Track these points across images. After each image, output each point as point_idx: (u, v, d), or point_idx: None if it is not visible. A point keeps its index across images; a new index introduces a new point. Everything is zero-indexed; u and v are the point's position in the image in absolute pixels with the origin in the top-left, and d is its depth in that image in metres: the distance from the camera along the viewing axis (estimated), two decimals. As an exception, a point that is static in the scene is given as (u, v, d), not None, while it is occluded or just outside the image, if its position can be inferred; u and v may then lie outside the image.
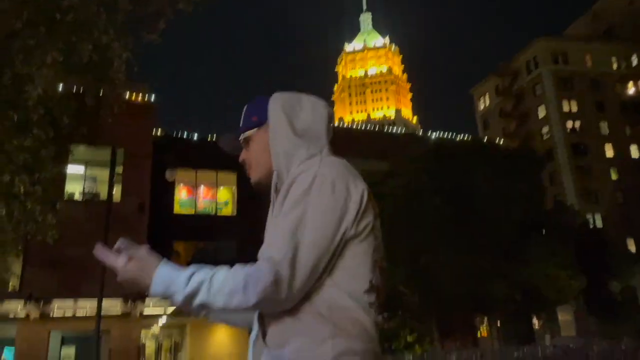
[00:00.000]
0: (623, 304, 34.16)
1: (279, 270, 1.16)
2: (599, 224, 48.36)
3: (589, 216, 44.75)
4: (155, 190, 25.70)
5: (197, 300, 1.18)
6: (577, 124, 59.26)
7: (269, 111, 1.41)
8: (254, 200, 29.44)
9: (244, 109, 1.48)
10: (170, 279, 1.20)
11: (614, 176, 58.12)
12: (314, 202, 1.22)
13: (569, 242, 23.48)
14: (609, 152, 59.10)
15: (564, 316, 16.86)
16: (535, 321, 26.44)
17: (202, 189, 29.73)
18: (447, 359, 12.65)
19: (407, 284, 19.69)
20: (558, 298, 22.37)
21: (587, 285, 23.70)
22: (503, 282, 21.05)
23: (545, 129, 59.82)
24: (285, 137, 1.38)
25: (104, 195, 24.16)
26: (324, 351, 1.12)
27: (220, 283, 1.19)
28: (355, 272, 1.22)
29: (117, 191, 24.76)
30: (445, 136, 30.60)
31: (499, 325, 25.58)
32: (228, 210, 29.66)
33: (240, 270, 1.23)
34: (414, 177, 19.41)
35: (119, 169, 24.96)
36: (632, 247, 52.55)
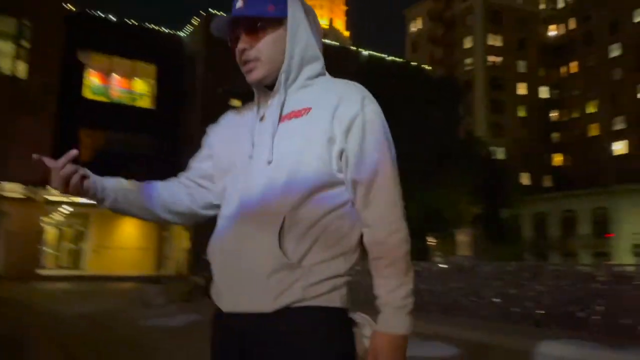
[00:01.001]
0: (510, 230, 37.87)
1: (405, 231, 1.25)
2: (501, 156, 51.79)
3: (494, 148, 47.73)
4: (66, 72, 23.78)
5: (411, 300, 1.26)
6: (499, 59, 61.45)
7: (289, 6, 1.30)
8: (174, 96, 28.35)
9: None
10: (402, 323, 1.21)
11: (521, 113, 61.90)
12: (389, 149, 1.27)
13: (474, 172, 25.16)
14: (522, 90, 62.41)
15: (462, 237, 18.45)
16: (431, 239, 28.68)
17: (116, 77, 27.92)
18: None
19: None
20: (456, 221, 24.30)
21: (483, 211, 25.87)
22: (411, 203, 22.33)
23: (468, 60, 61.53)
24: (306, 42, 1.31)
25: (6, 69, 22.04)
26: (339, 263, 1.21)
27: (408, 282, 1.24)
28: None
29: (22, 67, 22.68)
30: (377, 55, 30.55)
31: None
32: (145, 103, 28.28)
33: (394, 258, 1.23)
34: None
35: (25, 43, 22.74)
36: (525, 181, 57.41)
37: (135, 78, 28.24)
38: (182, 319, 9.16)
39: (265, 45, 1.28)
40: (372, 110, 1.25)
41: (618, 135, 55.74)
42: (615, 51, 56.80)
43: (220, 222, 1.34)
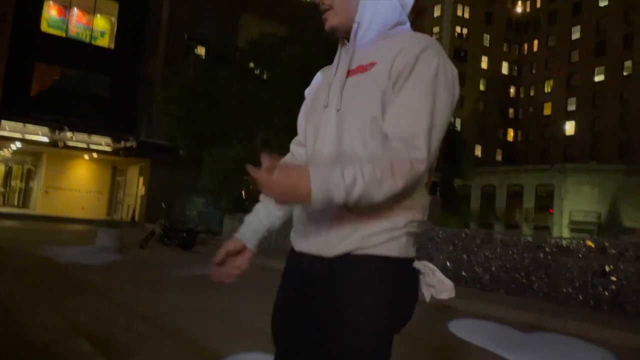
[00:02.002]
0: (461, 199, 39.24)
1: (419, 153, 1.15)
2: (459, 127, 52.94)
3: (452, 119, 48.56)
4: (23, 2, 22.38)
5: (355, 193, 1.09)
6: (465, 30, 61.90)
7: None
8: (135, 36, 27.22)
9: None
10: (325, 176, 1.08)
11: (481, 87, 63.07)
12: (442, 83, 1.23)
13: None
14: (484, 64, 63.35)
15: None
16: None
17: (76, 12, 26.51)
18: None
19: (283, 153, 20.30)
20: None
21: (438, 179, 26.64)
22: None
23: (436, 29, 61.64)
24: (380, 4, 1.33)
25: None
26: (400, 217, 1.24)
27: (370, 171, 1.10)
28: None
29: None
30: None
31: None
32: (104, 41, 27.06)
33: (381, 156, 1.16)
34: (312, 49, 19.22)
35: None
36: (479, 152, 59.13)
37: (97, 14, 26.91)
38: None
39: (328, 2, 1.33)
40: (427, 62, 1.22)
41: (569, 116, 57.85)
42: (576, 33, 58.21)
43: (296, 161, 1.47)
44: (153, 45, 26.79)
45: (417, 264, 1.30)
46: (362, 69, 1.29)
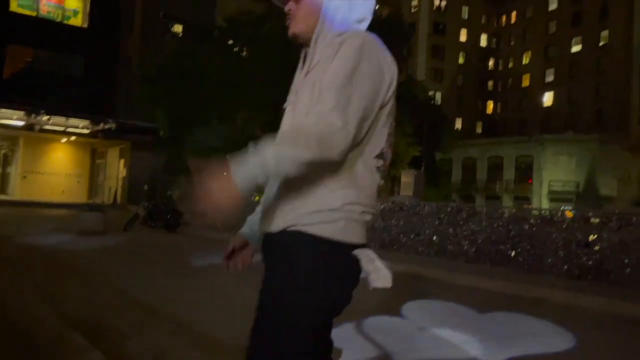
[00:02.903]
0: (442, 172, 39.60)
1: (332, 121, 1.19)
2: (439, 101, 53.06)
3: (432, 93, 48.75)
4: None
5: (271, 170, 1.19)
6: (443, 3, 61.57)
7: None
8: (110, 14, 26.49)
9: None
10: (243, 165, 1.18)
11: (460, 60, 63.11)
12: (363, 64, 1.28)
13: (415, 115, 25.74)
14: (463, 37, 63.28)
15: (405, 179, 19.14)
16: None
17: (47, -10, 25.67)
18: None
19: (266, 130, 20.15)
20: (395, 161, 25.05)
21: (421, 153, 26.80)
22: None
23: (414, 2, 61.19)
24: (340, 7, 1.42)
25: None
26: (334, 198, 1.30)
27: (279, 147, 1.20)
28: (373, 139, 1.36)
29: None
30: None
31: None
32: (77, 20, 26.28)
33: (294, 129, 1.28)
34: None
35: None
36: (458, 125, 59.49)
37: (69, -7, 26.11)
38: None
39: (303, 6, 1.43)
40: (348, 45, 1.30)
41: (547, 87, 58.36)
42: (553, 4, 58.34)
43: None
44: (128, 24, 26.15)
45: (356, 251, 1.32)
46: (307, 74, 1.40)
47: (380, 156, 1.38)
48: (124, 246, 10.34)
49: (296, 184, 1.30)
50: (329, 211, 1.29)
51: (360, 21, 1.45)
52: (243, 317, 4.61)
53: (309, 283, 1.28)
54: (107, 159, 27.76)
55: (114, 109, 25.52)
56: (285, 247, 1.31)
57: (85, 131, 24.77)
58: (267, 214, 1.40)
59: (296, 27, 1.44)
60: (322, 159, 1.20)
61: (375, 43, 1.35)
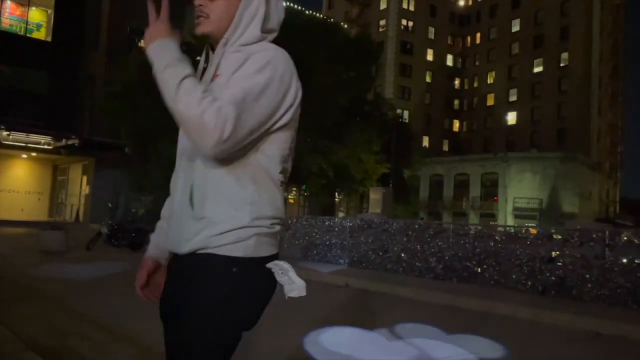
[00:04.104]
0: (410, 190, 40.02)
1: (227, 108, 1.20)
2: (406, 118, 53.88)
3: (400, 111, 49.48)
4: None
5: (161, 75, 1.25)
6: (410, 23, 62.91)
7: None
8: (74, 28, 26.05)
9: None
10: (163, 46, 1.31)
11: (428, 79, 64.40)
12: (265, 80, 1.29)
13: (383, 132, 26.06)
14: (430, 56, 64.67)
15: (374, 195, 19.22)
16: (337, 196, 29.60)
17: (8, 3, 25.08)
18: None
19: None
20: (363, 178, 25.26)
21: (389, 170, 27.08)
22: (320, 159, 22.80)
23: (382, 22, 62.35)
24: (255, 15, 1.43)
25: None
26: (243, 215, 1.30)
27: (187, 86, 1.22)
28: (276, 155, 1.39)
29: None
30: (295, 8, 30.03)
31: (307, 194, 28.05)
32: (41, 34, 25.74)
33: (200, 88, 1.24)
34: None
35: None
36: (426, 143, 60.45)
37: (32, 7, 25.54)
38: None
39: (218, 7, 1.42)
40: (256, 58, 1.32)
41: (510, 107, 60.00)
42: (516, 26, 60.31)
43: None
44: (93, 39, 25.75)
45: (269, 264, 1.34)
46: (216, 77, 1.38)
47: (284, 172, 1.41)
48: (85, 266, 10.04)
49: (202, 202, 1.31)
50: (239, 229, 1.29)
51: (269, 32, 1.46)
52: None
53: (222, 304, 1.28)
54: (70, 176, 27.04)
55: (78, 124, 24.95)
56: (196, 269, 1.30)
57: (47, 147, 24.12)
58: (174, 231, 1.38)
59: (207, 26, 1.43)
60: (191, 130, 1.23)
61: (287, 58, 1.37)
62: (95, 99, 23.13)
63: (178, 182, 1.43)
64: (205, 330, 1.27)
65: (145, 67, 20.88)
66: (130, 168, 21.60)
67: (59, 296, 6.45)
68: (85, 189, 25.04)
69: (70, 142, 23.23)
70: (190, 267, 1.32)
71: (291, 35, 20.07)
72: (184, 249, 1.32)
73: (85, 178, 25.29)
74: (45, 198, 27.16)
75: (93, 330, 4.68)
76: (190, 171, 1.37)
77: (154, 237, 1.57)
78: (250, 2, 1.42)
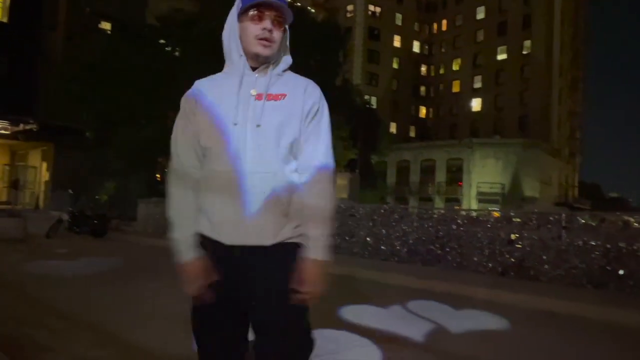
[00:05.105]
0: (377, 175, 40.38)
1: (328, 171, 1.70)
2: (374, 105, 54.10)
3: (368, 97, 49.65)
4: None
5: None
6: (378, 9, 62.92)
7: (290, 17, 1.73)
8: (32, 8, 25.03)
9: None
10: None
11: (395, 65, 64.71)
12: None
13: (351, 118, 26.11)
14: (397, 42, 64.94)
15: (341, 181, 19.29)
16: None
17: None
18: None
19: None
20: (331, 164, 25.16)
21: (357, 156, 27.20)
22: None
23: (350, 7, 62.16)
24: (287, 47, 1.78)
25: None
26: (296, 214, 1.68)
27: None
28: None
29: None
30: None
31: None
32: (-4, 14, 24.66)
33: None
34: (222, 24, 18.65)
35: None
36: (393, 129, 60.93)
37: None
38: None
39: (279, 36, 1.70)
40: (325, 104, 1.74)
41: (475, 93, 60.97)
42: (480, 13, 61.05)
43: (217, 175, 1.64)
44: (52, 20, 24.81)
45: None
46: (275, 97, 1.66)
47: None
48: (44, 253, 9.79)
49: (286, 201, 1.62)
50: (300, 226, 1.66)
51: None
52: (171, 326, 4.49)
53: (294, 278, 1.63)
54: (29, 162, 26.19)
55: (36, 109, 24.10)
56: (285, 254, 1.63)
57: (4, 132, 23.26)
58: (250, 226, 1.59)
59: (271, 51, 1.68)
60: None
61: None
62: (54, 81, 22.35)
63: (246, 184, 1.60)
64: (294, 299, 1.61)
65: (106, 50, 20.36)
66: (92, 154, 21.05)
67: (14, 284, 6.28)
68: (45, 175, 24.31)
69: (28, 127, 22.45)
70: (276, 254, 1.62)
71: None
72: (272, 240, 1.61)
73: (44, 164, 24.54)
74: (2, 184, 26.26)
75: (51, 318, 4.58)
76: (270, 178, 1.61)
77: (185, 240, 1.67)
78: (287, 34, 1.76)
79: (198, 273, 1.63)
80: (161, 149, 19.91)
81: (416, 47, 67.23)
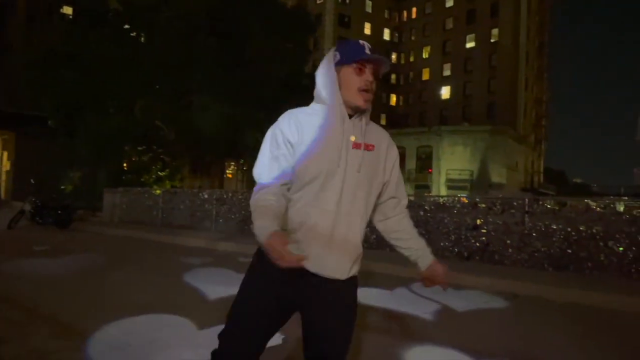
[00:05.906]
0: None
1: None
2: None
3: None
4: None
5: None
6: (348, -4, 62.69)
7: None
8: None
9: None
10: None
11: (365, 53, 64.60)
12: None
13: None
14: (367, 30, 64.89)
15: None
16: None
17: None
18: (196, 195, 13.37)
19: (165, 121, 19.40)
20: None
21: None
22: (257, 132, 22.51)
23: (320, -7, 61.75)
24: None
25: None
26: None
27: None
28: None
29: None
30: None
31: (244, 169, 27.76)
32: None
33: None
34: (193, 13, 18.30)
35: None
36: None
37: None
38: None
39: (375, 87, 1.86)
40: (398, 154, 1.97)
41: (444, 81, 61.58)
42: (449, 1, 61.47)
43: (316, 209, 1.74)
44: (11, 4, 23.92)
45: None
46: (367, 147, 1.81)
47: None
48: (4, 244, 9.52)
49: (360, 239, 1.84)
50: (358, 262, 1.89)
51: None
52: (131, 318, 4.40)
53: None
54: (-11, 151, 25.36)
55: (-4, 96, 23.31)
56: (353, 289, 1.86)
57: (-38, 121, 22.45)
58: (334, 260, 1.76)
59: (368, 101, 1.81)
60: None
61: None
62: (14, 68, 21.60)
63: (341, 224, 1.77)
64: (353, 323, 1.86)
65: (67, 35, 19.73)
66: (56, 142, 20.50)
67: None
68: (6, 165, 23.59)
69: (-13, 115, 21.72)
70: (346, 287, 1.82)
71: (226, 3, 19.47)
72: (347, 275, 1.81)
73: (5, 153, 23.81)
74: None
75: (8, 310, 4.46)
76: (358, 221, 1.82)
77: (272, 219, 1.65)
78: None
79: (284, 241, 1.60)
80: (128, 137, 19.54)
81: (386, 34, 67.36)
